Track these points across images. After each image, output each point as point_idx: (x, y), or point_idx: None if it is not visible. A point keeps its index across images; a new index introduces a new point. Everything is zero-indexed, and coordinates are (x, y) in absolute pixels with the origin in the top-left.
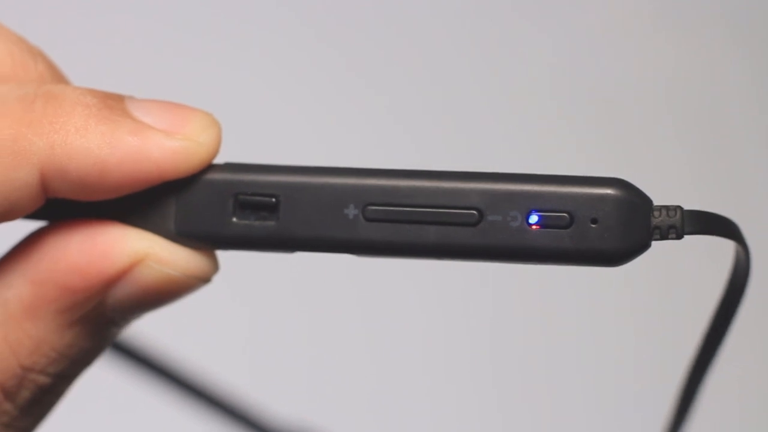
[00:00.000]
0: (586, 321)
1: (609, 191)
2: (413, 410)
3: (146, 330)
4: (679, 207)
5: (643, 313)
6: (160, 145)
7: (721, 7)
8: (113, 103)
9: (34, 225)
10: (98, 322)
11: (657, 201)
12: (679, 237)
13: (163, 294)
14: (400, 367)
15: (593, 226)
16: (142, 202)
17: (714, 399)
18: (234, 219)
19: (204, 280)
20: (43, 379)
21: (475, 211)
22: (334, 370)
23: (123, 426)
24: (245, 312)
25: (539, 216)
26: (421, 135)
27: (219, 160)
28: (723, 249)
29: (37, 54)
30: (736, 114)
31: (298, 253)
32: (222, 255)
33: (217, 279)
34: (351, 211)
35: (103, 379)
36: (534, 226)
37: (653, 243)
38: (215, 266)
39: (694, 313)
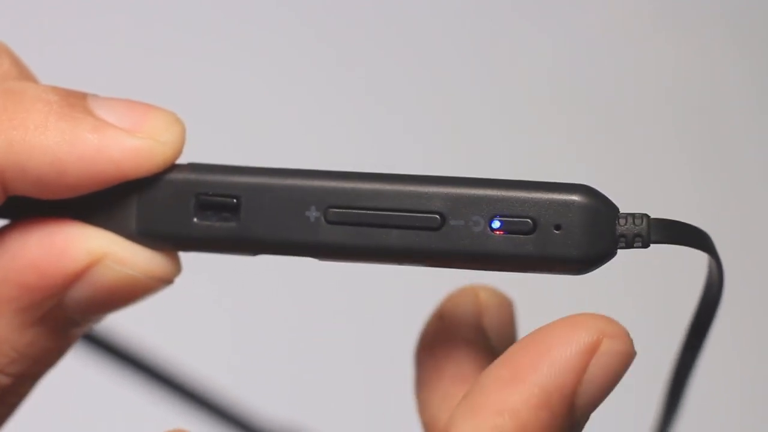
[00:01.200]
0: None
1: (573, 197)
2: (403, 408)
3: (133, 329)
4: (646, 215)
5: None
6: (120, 144)
7: (721, 7)
8: (75, 100)
9: None
10: (59, 321)
11: (656, 201)
12: (645, 246)
13: (122, 294)
14: (389, 366)
15: (557, 232)
16: (104, 201)
17: (694, 412)
18: (195, 219)
19: (165, 281)
20: (3, 379)
21: (437, 216)
22: (323, 368)
23: (109, 426)
24: (232, 310)
25: (502, 221)
26: (420, 134)
27: (208, 160)
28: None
29: (2, 51)
30: (736, 114)
31: (261, 257)
32: (199, 255)
33: (204, 276)
34: (312, 214)
35: (89, 379)
36: (497, 232)
37: (619, 251)
38: (177, 267)
39: (666, 324)
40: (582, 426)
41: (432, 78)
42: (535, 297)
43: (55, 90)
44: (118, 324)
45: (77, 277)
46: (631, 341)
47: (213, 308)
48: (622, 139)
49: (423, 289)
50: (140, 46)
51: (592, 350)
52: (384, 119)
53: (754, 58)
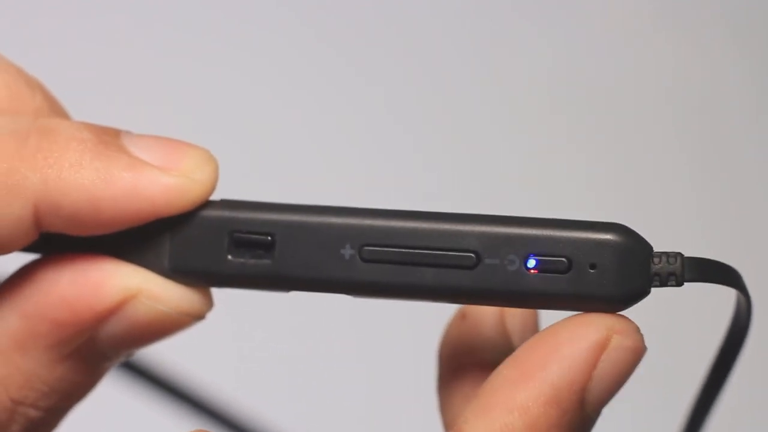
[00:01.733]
0: None
1: (608, 236)
2: (405, 417)
3: None
4: (680, 254)
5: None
6: (155, 182)
7: (721, 7)
8: (109, 138)
9: (26, 258)
10: (90, 356)
11: (656, 201)
12: (678, 284)
13: (155, 331)
14: (393, 374)
15: (592, 271)
16: (137, 238)
17: None
18: (229, 257)
19: (197, 317)
20: (33, 413)
21: (472, 254)
22: (327, 376)
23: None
24: (235, 315)
25: (537, 260)
26: (420, 135)
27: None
28: (725, 296)
29: (35, 86)
30: (736, 114)
31: (294, 293)
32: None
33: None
34: (347, 252)
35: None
36: (532, 270)
37: (652, 290)
38: (209, 303)
39: (694, 360)
40: (593, 422)
41: (432, 78)
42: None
43: (89, 128)
44: None
45: (111, 313)
46: (641, 337)
47: (216, 314)
48: (622, 139)
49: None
50: (140, 46)
51: (602, 346)
52: (384, 119)
53: (754, 58)
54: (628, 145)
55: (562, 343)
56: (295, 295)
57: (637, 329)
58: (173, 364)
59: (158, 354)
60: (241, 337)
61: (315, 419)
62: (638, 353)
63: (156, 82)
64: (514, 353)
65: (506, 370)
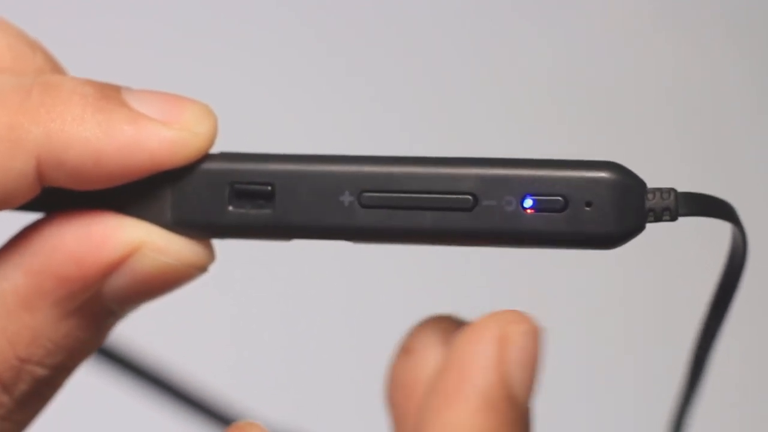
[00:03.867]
0: (581, 306)
1: (603, 174)
2: None
3: (127, 331)
4: (673, 189)
5: (638, 297)
6: (156, 135)
7: (721, 7)
8: (110, 93)
9: (31, 217)
10: (96, 312)
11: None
12: (673, 219)
13: (160, 283)
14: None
15: (587, 209)
16: (139, 192)
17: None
18: (230, 207)
19: (201, 268)
20: (40, 371)
21: (470, 196)
22: (323, 372)
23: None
24: (231, 311)
25: (534, 200)
26: (419, 133)
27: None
28: (720, 231)
29: (36, 46)
30: (736, 114)
31: (295, 241)
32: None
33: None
34: (347, 198)
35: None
36: (529, 210)
37: (648, 225)
38: (212, 255)
39: (691, 296)
40: (530, 411)
41: (432, 78)
42: (563, 272)
43: (91, 83)
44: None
45: (115, 267)
46: (532, 318)
47: (210, 309)
48: (622, 140)
49: (426, 289)
50: (140, 45)
51: (504, 340)
52: (384, 119)
53: (754, 58)
54: (628, 145)
55: (468, 354)
56: (293, 254)
57: (526, 314)
58: (165, 358)
59: (149, 348)
60: (236, 330)
61: (311, 414)
62: (538, 333)
63: (156, 82)
64: (430, 387)
65: (430, 402)
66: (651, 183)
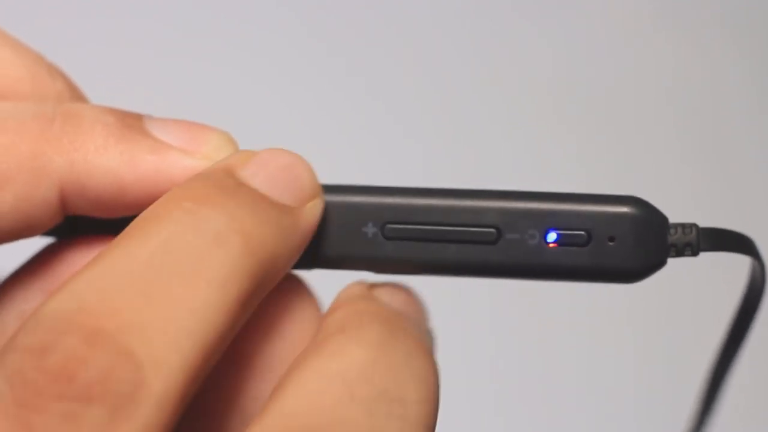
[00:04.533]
0: (599, 338)
1: (626, 209)
2: None
3: None
4: (695, 225)
5: (657, 329)
6: (178, 164)
7: (721, 7)
8: (132, 122)
9: (43, 241)
10: None
11: (656, 202)
12: (694, 254)
13: None
14: None
15: (610, 243)
16: None
17: (729, 416)
18: None
19: None
20: None
21: (493, 229)
22: None
23: None
24: None
25: (557, 234)
26: (419, 134)
27: None
28: (739, 265)
29: (55, 72)
30: (736, 114)
31: (316, 271)
32: None
33: None
34: (370, 230)
35: None
36: (552, 244)
37: (669, 260)
38: None
39: (710, 328)
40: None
41: (431, 78)
42: (579, 302)
43: (112, 111)
44: None
45: None
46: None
47: None
48: (622, 140)
49: (433, 297)
50: (140, 45)
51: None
52: (383, 119)
53: (754, 58)
54: (628, 145)
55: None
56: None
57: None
58: None
59: None
60: None
61: None
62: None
63: (156, 80)
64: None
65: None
66: (650, 183)
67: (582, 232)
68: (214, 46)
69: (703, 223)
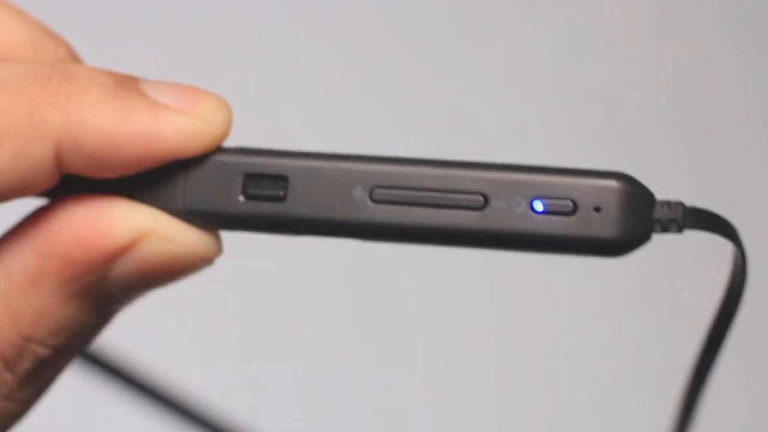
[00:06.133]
0: (584, 316)
1: (613, 182)
2: (410, 420)
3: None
4: (681, 203)
5: (642, 308)
6: (173, 124)
7: (721, 7)
8: (128, 82)
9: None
10: (100, 296)
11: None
12: (679, 231)
13: (165, 272)
14: (394, 381)
15: (596, 214)
16: (152, 180)
17: (715, 402)
18: (242, 198)
19: (207, 260)
20: (42, 350)
21: (480, 197)
22: (326, 380)
23: None
24: (230, 320)
25: (544, 203)
26: (419, 134)
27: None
28: (724, 248)
29: (57, 38)
30: (736, 114)
31: (304, 238)
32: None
33: (203, 286)
34: (358, 193)
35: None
36: (538, 213)
37: (654, 236)
38: (219, 247)
39: (694, 309)
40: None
41: (431, 78)
42: (567, 279)
43: (109, 73)
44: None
45: (122, 252)
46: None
47: (211, 314)
48: (622, 140)
49: (432, 295)
50: (141, 44)
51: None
52: (383, 119)
53: (754, 58)
54: (627, 145)
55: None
56: (303, 244)
57: None
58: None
59: (145, 356)
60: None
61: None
62: None
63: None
64: None
65: None
66: (651, 180)
67: (568, 202)
68: (214, 46)
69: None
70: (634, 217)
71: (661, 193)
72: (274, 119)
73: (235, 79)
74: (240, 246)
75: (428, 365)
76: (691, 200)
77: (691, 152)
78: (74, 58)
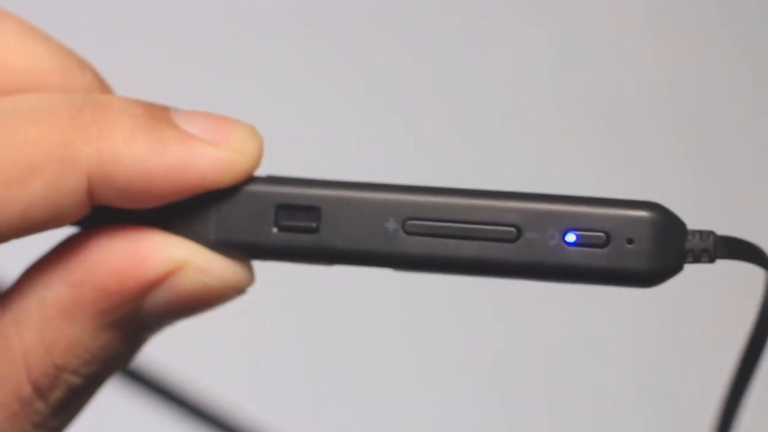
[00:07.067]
0: (614, 343)
1: (646, 213)
2: (415, 425)
3: None
4: (712, 232)
5: (673, 338)
6: (205, 155)
7: (721, 7)
8: (159, 113)
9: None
10: (133, 326)
11: (657, 200)
12: (711, 261)
13: (199, 302)
14: (399, 385)
15: (629, 246)
16: (184, 211)
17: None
18: (275, 230)
19: (240, 290)
20: (75, 380)
21: (513, 229)
22: (332, 384)
23: None
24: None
25: (577, 235)
26: (419, 133)
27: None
28: (757, 276)
29: (85, 65)
30: (736, 114)
31: (336, 267)
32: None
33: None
34: (391, 225)
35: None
36: (571, 245)
37: (686, 266)
38: (252, 277)
39: (726, 339)
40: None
41: (431, 78)
42: (593, 309)
43: (140, 103)
44: None
45: (157, 284)
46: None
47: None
48: (622, 140)
49: (435, 301)
50: (145, 47)
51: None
52: (383, 118)
53: (754, 58)
54: (627, 145)
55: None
56: (330, 276)
57: None
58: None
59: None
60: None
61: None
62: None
63: (156, 79)
64: None
65: None
66: (650, 183)
67: (601, 234)
68: (213, 45)
69: (699, 226)
70: (667, 249)
71: (660, 191)
72: (274, 120)
73: (238, 81)
74: None
75: (429, 365)
76: (690, 198)
77: (691, 152)
78: (102, 84)
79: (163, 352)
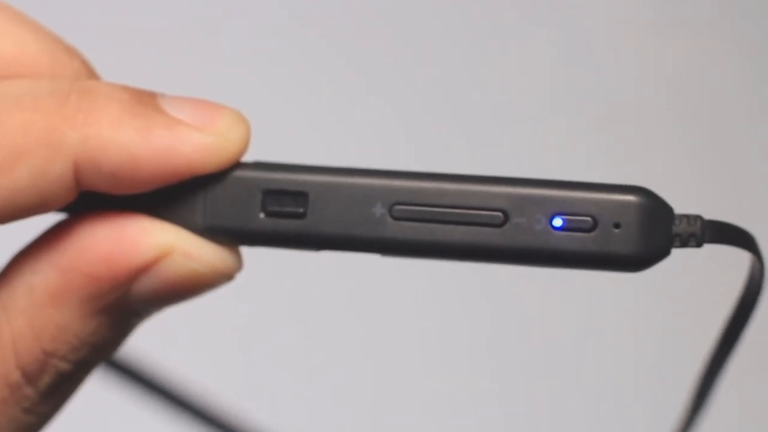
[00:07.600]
0: (598, 328)
1: (633, 197)
2: (411, 422)
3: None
4: (700, 216)
5: (655, 320)
6: (192, 140)
7: (721, 7)
8: (146, 99)
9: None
10: (121, 312)
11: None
12: (698, 245)
13: (187, 288)
14: (396, 384)
15: (616, 230)
16: (171, 197)
17: (721, 412)
18: (262, 215)
19: (228, 276)
20: (63, 366)
21: (500, 213)
22: (330, 382)
23: None
24: (238, 318)
25: (563, 219)
26: (419, 133)
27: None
28: (741, 260)
29: (73, 52)
30: (736, 114)
31: (323, 253)
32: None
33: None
34: (378, 210)
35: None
36: (558, 229)
37: (673, 250)
38: (240, 263)
39: (707, 321)
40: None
41: (431, 78)
42: (582, 292)
43: (127, 89)
44: None
45: (144, 270)
46: None
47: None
48: (622, 140)
49: (434, 299)
50: (144, 46)
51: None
52: (383, 118)
53: (754, 58)
54: (627, 145)
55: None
56: (319, 262)
57: None
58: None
59: (154, 358)
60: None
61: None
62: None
63: (155, 80)
64: None
65: None
66: (650, 183)
67: (588, 218)
68: (213, 45)
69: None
70: (654, 233)
71: (660, 191)
72: (273, 117)
73: (236, 77)
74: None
75: (429, 366)
76: (690, 198)
77: (691, 152)
78: (90, 71)
79: (157, 348)
